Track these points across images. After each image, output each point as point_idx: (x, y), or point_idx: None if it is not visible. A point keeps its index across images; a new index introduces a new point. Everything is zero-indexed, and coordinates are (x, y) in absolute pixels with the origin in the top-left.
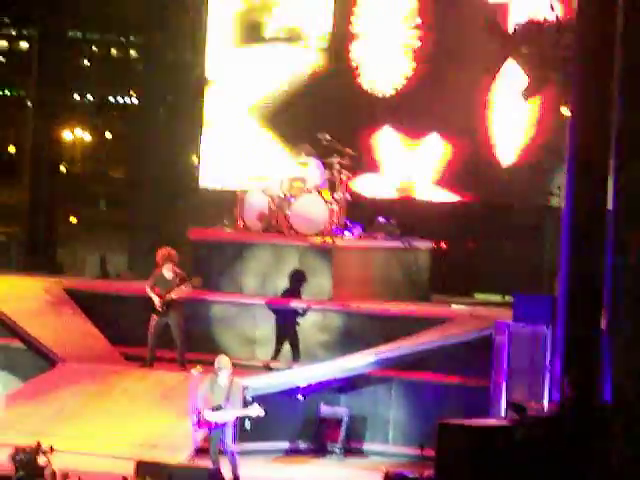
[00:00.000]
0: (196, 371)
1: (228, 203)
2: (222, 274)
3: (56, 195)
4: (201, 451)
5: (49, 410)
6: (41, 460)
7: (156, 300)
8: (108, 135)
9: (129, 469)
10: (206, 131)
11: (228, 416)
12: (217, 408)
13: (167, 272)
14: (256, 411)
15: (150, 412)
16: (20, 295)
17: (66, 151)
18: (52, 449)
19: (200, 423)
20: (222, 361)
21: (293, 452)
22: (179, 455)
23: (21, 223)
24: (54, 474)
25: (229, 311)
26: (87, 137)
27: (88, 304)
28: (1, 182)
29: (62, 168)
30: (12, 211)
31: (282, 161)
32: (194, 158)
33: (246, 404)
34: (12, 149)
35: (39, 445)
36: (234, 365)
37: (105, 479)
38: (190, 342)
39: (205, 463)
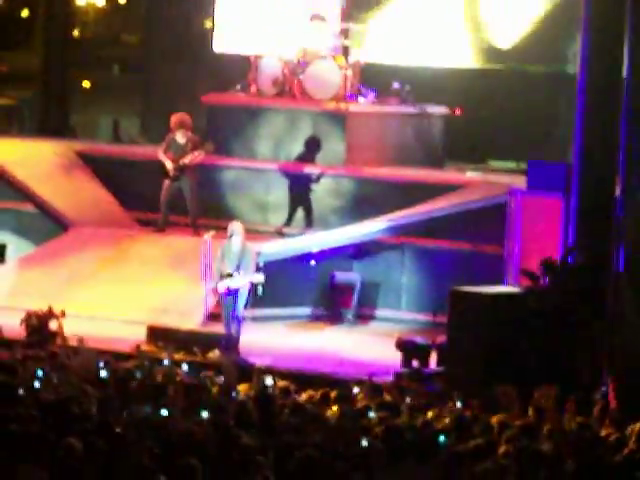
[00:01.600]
0: (208, 236)
1: (242, 68)
2: (235, 139)
3: (69, 59)
4: (213, 317)
5: (61, 275)
6: (53, 325)
7: (169, 165)
8: (121, 0)
9: (141, 334)
10: None
11: (237, 282)
12: (229, 275)
13: (180, 137)
14: (258, 278)
15: (162, 277)
16: (32, 159)
17: (79, 15)
18: (64, 313)
19: (213, 289)
20: (234, 227)
21: (307, 318)
22: (191, 320)
23: (34, 87)
24: (65, 339)
25: (242, 176)
26: (100, 1)
27: (101, 169)
28: (13, 46)
29: (75, 32)
30: (24, 75)
31: (296, 26)
32: (209, 22)
33: (259, 270)
34: (25, 13)
35: (51, 310)
36: (247, 231)
37: (117, 344)
38: (203, 208)
39: (218, 329)
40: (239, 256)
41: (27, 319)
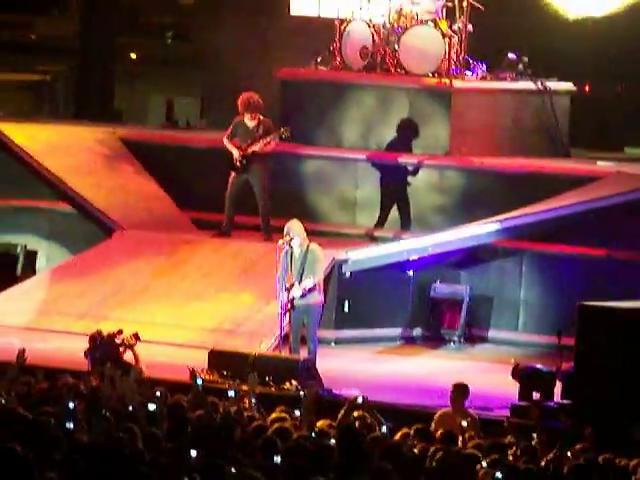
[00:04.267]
0: (284, 241)
1: (324, 35)
2: (316, 123)
3: (112, 26)
4: (288, 338)
5: (104, 289)
6: (126, 355)
7: (235, 153)
8: None
9: (201, 359)
10: None
11: (297, 292)
12: (292, 285)
13: (249, 120)
14: (307, 284)
15: (226, 291)
16: (68, 147)
17: None
18: (138, 337)
19: (282, 304)
20: (291, 226)
21: (401, 341)
22: (261, 343)
23: (70, 60)
24: (141, 370)
25: (325, 168)
26: None
27: (151, 159)
28: (46, 10)
29: None
30: (59, 45)
31: None
32: None
33: (342, 282)
34: None
35: (120, 333)
36: (331, 234)
37: (172, 372)
38: (276, 206)
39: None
40: (302, 261)
41: (92, 344)
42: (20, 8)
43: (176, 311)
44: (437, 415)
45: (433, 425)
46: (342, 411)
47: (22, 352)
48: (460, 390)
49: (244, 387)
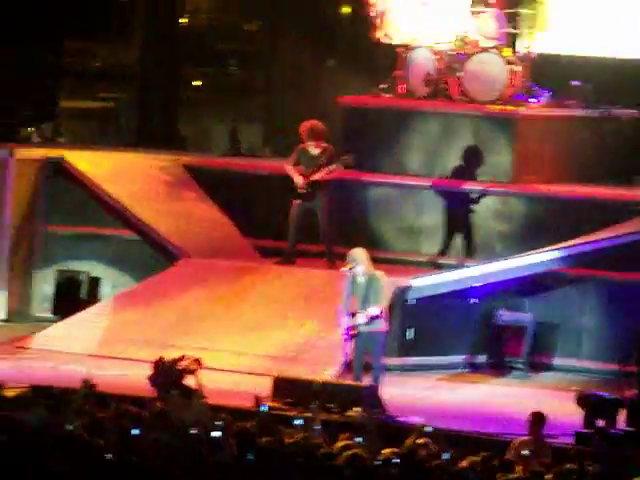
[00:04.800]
0: (347, 269)
1: (389, 62)
2: (379, 150)
3: (176, 52)
4: (351, 365)
5: (167, 317)
6: (189, 380)
7: (298, 181)
8: None
9: (265, 386)
10: None
11: (361, 319)
12: (355, 313)
13: (312, 148)
14: (373, 311)
15: (290, 318)
16: (132, 175)
17: (189, 0)
18: (200, 363)
19: (346, 331)
20: (355, 254)
21: (465, 368)
22: (325, 370)
23: (133, 87)
24: (203, 396)
25: (388, 195)
26: None
27: (215, 186)
28: (109, 38)
29: (184, 20)
30: (122, 72)
31: (454, 11)
32: (346, 6)
33: (405, 309)
34: None
35: (182, 360)
36: (394, 261)
37: (235, 398)
38: (340, 233)
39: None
40: (365, 289)
41: (155, 371)
42: (84, 36)
43: (239, 338)
44: (515, 443)
45: (511, 452)
46: (409, 438)
47: (89, 380)
48: (537, 418)
49: (308, 414)
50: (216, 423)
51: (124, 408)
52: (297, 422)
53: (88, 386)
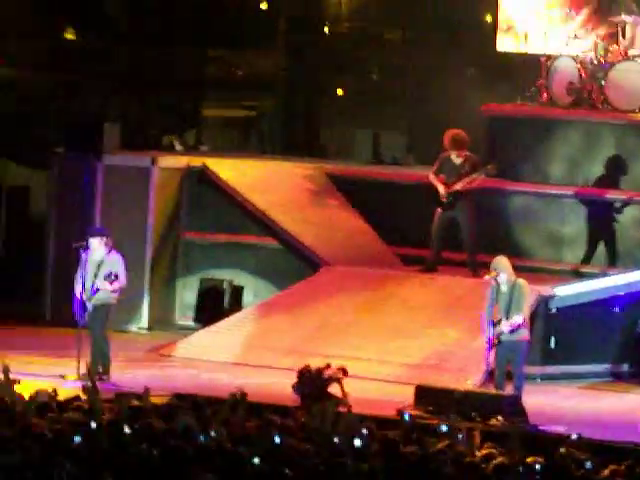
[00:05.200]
0: (490, 277)
1: (530, 71)
2: (522, 159)
3: (318, 61)
4: (493, 374)
5: (310, 324)
6: (332, 389)
7: (441, 190)
8: None
9: (406, 395)
10: None
11: (504, 328)
12: (499, 321)
13: (455, 157)
14: (516, 320)
15: (433, 327)
16: (274, 183)
17: (330, 8)
18: (345, 372)
19: (488, 339)
20: (498, 262)
21: (608, 377)
22: (468, 379)
23: (275, 95)
24: (348, 404)
25: (531, 204)
26: None
27: (357, 195)
28: (251, 46)
29: (325, 28)
30: (264, 81)
31: (596, 17)
32: (488, 15)
33: (548, 316)
34: (264, 5)
35: (328, 368)
36: (537, 269)
37: (378, 407)
38: (482, 242)
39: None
40: (508, 297)
41: (300, 379)
42: (227, 44)
43: (381, 346)
44: None
45: None
46: (558, 448)
47: (241, 390)
48: None
49: (451, 422)
50: (361, 432)
51: (269, 417)
52: (442, 429)
53: (239, 395)
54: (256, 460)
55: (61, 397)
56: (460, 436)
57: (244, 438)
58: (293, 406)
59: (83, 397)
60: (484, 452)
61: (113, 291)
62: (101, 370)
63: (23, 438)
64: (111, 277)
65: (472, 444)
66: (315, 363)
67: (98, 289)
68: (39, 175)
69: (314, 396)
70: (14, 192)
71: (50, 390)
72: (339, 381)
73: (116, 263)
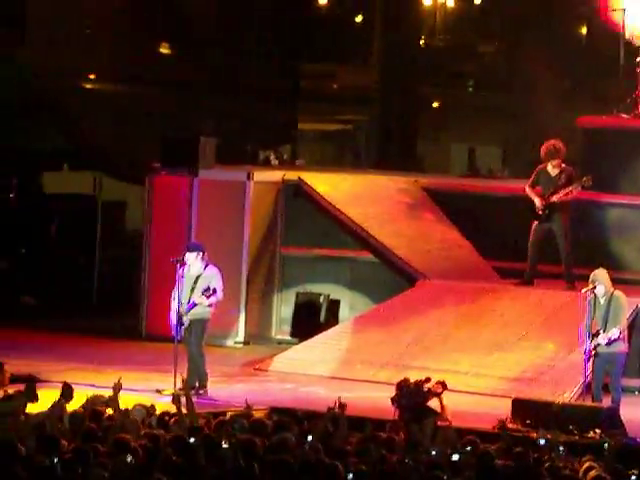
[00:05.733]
0: (587, 290)
1: (626, 83)
2: (619, 171)
3: (413, 75)
4: (590, 386)
5: (406, 338)
6: (432, 403)
7: (537, 202)
8: (478, 0)
9: (503, 408)
10: None
11: (602, 340)
12: (596, 333)
13: (552, 169)
14: (613, 333)
15: (530, 340)
16: (370, 196)
17: (425, 20)
18: (445, 386)
19: (586, 352)
20: (597, 275)
21: None
22: (566, 392)
23: (370, 109)
24: (447, 419)
25: (627, 216)
26: (450, 2)
27: (453, 208)
28: (346, 59)
29: (421, 41)
30: (359, 95)
31: None
32: (583, 28)
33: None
34: (359, 18)
35: (427, 382)
36: (635, 282)
37: (475, 419)
38: (579, 254)
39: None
40: (606, 309)
41: (399, 392)
42: (323, 58)
43: (478, 360)
44: None
45: None
46: None
47: (340, 403)
48: None
49: (549, 435)
50: (459, 446)
51: (370, 431)
52: (541, 442)
53: (339, 408)
54: (350, 476)
55: (158, 411)
56: (561, 449)
57: (343, 452)
58: (392, 420)
59: (177, 411)
60: (584, 465)
61: (209, 305)
62: (197, 385)
63: (118, 452)
64: (208, 291)
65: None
66: (412, 376)
67: (195, 304)
68: (135, 190)
69: (413, 410)
70: (110, 207)
71: (148, 405)
72: (439, 395)
73: (213, 277)
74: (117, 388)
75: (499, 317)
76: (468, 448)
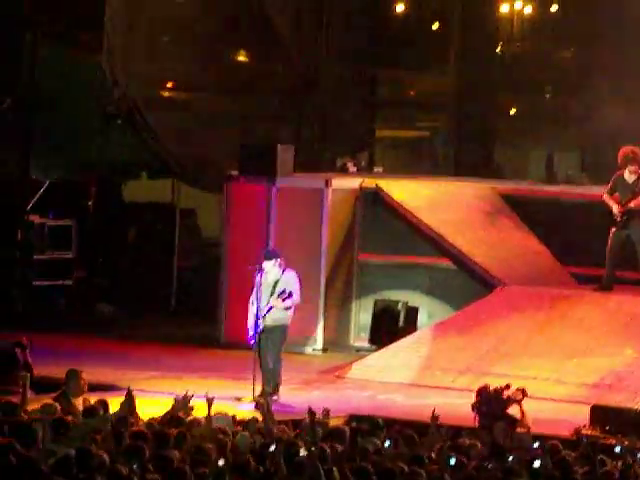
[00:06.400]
0: None
1: None
2: None
3: (491, 81)
4: None
5: (484, 344)
6: (512, 410)
7: (615, 209)
8: (554, 8)
9: (582, 415)
10: None
11: None
12: None
13: (629, 175)
14: None
15: (609, 346)
16: (448, 203)
17: (503, 27)
18: (525, 393)
19: None
20: None
21: None
22: None
23: (448, 116)
24: (527, 426)
25: None
26: (528, 9)
27: (531, 214)
28: (423, 66)
29: (498, 48)
30: (437, 101)
31: None
32: None
33: None
34: (436, 25)
35: (507, 388)
36: None
37: (554, 426)
38: None
39: None
40: None
41: (479, 398)
42: (401, 65)
43: (557, 366)
44: None
45: None
46: None
47: (435, 415)
48: None
49: (628, 442)
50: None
51: (449, 438)
52: (617, 450)
53: (433, 417)
54: None
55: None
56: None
57: (417, 458)
58: (473, 427)
59: (262, 418)
60: None
61: (286, 308)
62: (270, 390)
63: (199, 460)
64: (284, 294)
65: None
66: (491, 383)
67: (272, 307)
68: (208, 197)
69: (493, 416)
70: (185, 214)
71: (229, 413)
72: (519, 402)
73: (290, 280)
74: (209, 400)
75: (578, 323)
76: (545, 453)
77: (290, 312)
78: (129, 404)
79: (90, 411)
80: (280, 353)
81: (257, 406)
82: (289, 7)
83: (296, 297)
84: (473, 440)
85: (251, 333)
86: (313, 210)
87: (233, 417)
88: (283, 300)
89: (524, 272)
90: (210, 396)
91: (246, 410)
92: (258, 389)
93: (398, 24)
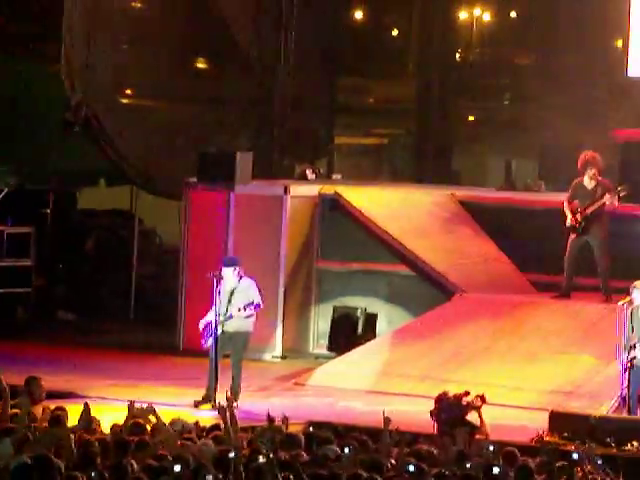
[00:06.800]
0: (624, 302)
1: None
2: None
3: (449, 88)
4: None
5: (444, 351)
6: (471, 416)
7: (570, 218)
8: (512, 14)
9: (540, 421)
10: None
11: (638, 352)
12: (634, 345)
13: (588, 180)
14: None
15: (567, 353)
16: (407, 211)
17: (461, 35)
18: (484, 400)
19: (623, 363)
20: (637, 285)
21: None
22: (603, 405)
23: (407, 123)
24: (485, 432)
25: None
26: (486, 16)
27: (490, 221)
28: (382, 74)
29: (457, 55)
30: (396, 109)
31: None
32: (619, 41)
33: None
34: (395, 32)
35: (466, 395)
36: None
37: (512, 432)
38: (616, 267)
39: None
40: None
41: (438, 405)
42: (359, 72)
43: (516, 373)
44: None
45: None
46: None
47: (386, 418)
48: None
49: (585, 449)
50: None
51: (407, 445)
52: (574, 456)
53: (385, 422)
54: None
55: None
56: (599, 462)
57: (376, 464)
58: (432, 434)
59: (223, 424)
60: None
61: (247, 316)
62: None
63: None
64: (251, 305)
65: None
66: (451, 390)
67: (232, 316)
68: (167, 204)
69: (452, 423)
70: (143, 221)
71: (186, 419)
72: (478, 409)
73: (249, 288)
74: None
75: (536, 330)
76: (504, 461)
77: (252, 319)
78: (86, 415)
79: (56, 420)
80: (241, 361)
81: (219, 411)
82: (248, 15)
83: (261, 304)
84: (431, 447)
85: (205, 338)
86: (272, 217)
87: (196, 423)
88: (245, 309)
89: (483, 279)
90: (151, 404)
91: (204, 416)
92: (219, 396)
93: (357, 32)
